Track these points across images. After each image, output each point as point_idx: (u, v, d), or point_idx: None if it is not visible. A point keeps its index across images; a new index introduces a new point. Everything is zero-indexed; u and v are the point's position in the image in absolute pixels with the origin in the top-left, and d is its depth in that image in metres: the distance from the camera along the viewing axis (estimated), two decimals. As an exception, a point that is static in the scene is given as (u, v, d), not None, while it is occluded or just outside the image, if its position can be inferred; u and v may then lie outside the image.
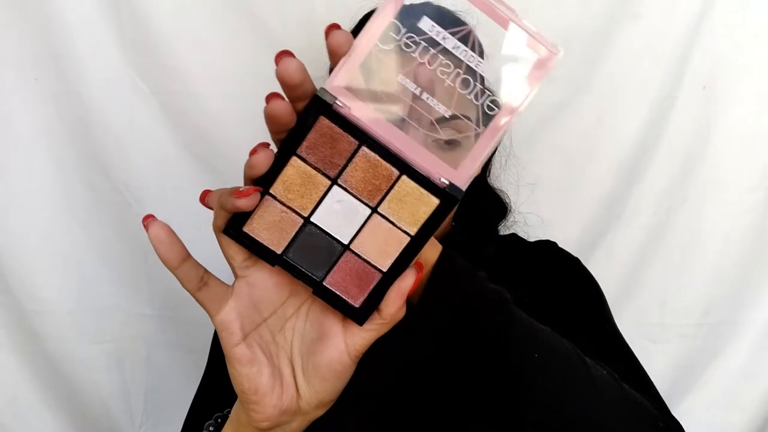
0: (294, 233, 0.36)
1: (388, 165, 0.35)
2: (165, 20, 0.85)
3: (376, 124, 0.35)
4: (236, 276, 0.39)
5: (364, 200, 0.36)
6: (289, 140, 0.35)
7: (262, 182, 0.35)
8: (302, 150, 0.35)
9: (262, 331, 0.39)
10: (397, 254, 0.36)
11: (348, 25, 0.70)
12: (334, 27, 0.34)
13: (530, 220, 0.80)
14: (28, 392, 0.94)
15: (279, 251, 0.36)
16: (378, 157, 0.35)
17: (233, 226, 0.36)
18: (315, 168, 0.35)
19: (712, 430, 1.01)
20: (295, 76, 0.33)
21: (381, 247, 0.36)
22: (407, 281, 0.37)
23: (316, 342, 0.40)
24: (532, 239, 0.75)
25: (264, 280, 0.39)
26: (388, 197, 0.35)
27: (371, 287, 0.37)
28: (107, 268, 0.93)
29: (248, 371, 0.38)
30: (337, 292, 0.37)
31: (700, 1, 0.89)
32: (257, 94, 0.99)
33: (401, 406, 0.58)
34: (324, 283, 0.37)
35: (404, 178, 0.35)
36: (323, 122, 0.34)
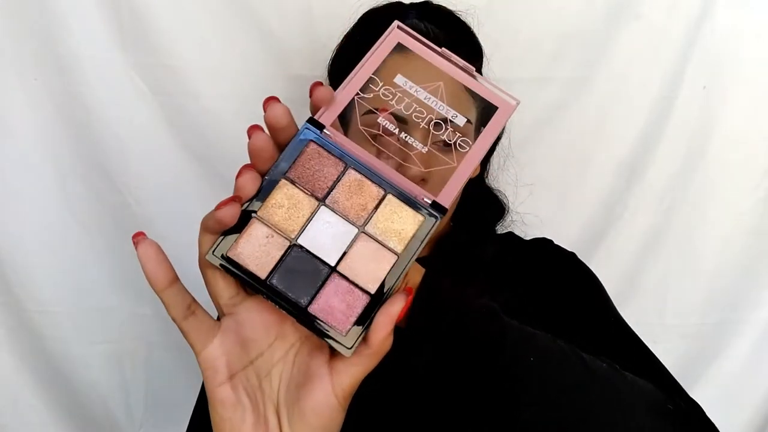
0: (280, 257, 0.35)
1: (373, 185, 0.37)
2: (165, 20, 0.85)
3: (361, 153, 0.37)
4: (222, 314, 0.37)
5: (351, 220, 0.36)
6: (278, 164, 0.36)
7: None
8: (291, 173, 0.36)
9: (249, 374, 0.37)
10: (385, 274, 0.36)
11: (346, 24, 0.70)
12: (317, 85, 0.37)
13: (528, 219, 0.80)
14: (28, 392, 0.94)
15: (263, 276, 0.35)
16: (364, 178, 0.37)
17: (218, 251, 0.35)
18: (303, 190, 0.36)
19: (712, 430, 1.01)
20: (282, 120, 0.35)
21: (368, 268, 0.36)
22: (397, 306, 0.35)
23: (301, 387, 0.37)
24: (529, 238, 0.76)
25: (252, 319, 0.37)
26: (374, 217, 0.36)
27: (359, 312, 0.35)
28: (107, 268, 0.93)
29: (231, 416, 0.35)
30: (323, 319, 0.35)
31: (700, 1, 0.89)
32: (257, 94, 0.99)
33: (397, 425, 0.57)
34: (309, 309, 0.35)
35: (390, 197, 0.37)
36: (312, 146, 0.36)
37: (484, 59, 0.70)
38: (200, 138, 0.90)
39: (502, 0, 0.86)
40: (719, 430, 0.52)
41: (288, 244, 0.36)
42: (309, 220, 0.36)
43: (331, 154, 0.36)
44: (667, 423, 0.47)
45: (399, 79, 0.39)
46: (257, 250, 0.35)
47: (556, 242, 0.73)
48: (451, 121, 0.39)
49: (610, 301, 0.66)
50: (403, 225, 0.36)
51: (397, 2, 0.70)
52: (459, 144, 0.39)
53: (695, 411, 0.52)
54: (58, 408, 0.96)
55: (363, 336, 0.35)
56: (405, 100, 0.39)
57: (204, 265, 0.36)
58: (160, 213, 0.90)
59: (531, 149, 0.90)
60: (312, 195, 0.36)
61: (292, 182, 0.36)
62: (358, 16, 0.69)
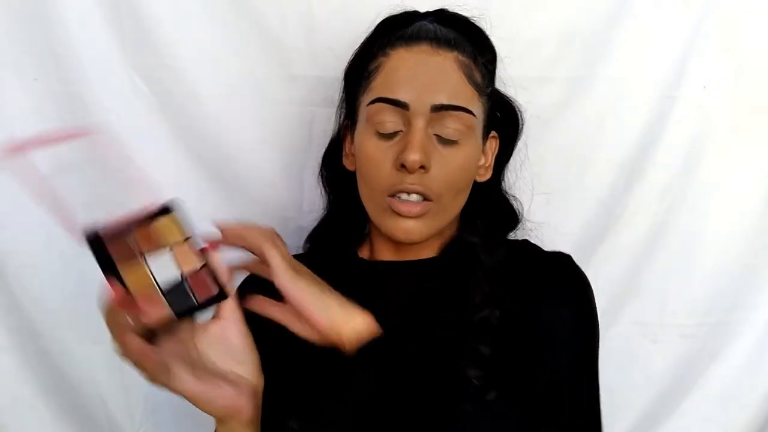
0: (165, 298, 0.57)
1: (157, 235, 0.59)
2: (165, 20, 0.86)
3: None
4: None
5: (163, 251, 0.57)
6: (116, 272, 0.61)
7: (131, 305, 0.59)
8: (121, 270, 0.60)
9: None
10: (198, 251, 0.58)
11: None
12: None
13: (529, 219, 0.80)
14: (28, 392, 0.94)
15: (175, 314, 0.57)
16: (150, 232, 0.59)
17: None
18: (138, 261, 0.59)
19: (712, 430, 1.01)
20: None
21: (191, 258, 0.58)
22: (214, 258, 0.58)
23: (222, 343, 0.59)
24: (533, 239, 0.75)
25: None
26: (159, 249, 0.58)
27: (210, 278, 0.58)
28: (107, 268, 0.93)
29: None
30: (205, 298, 0.58)
31: (700, 0, 0.89)
32: (257, 94, 0.99)
33: None
34: (198, 303, 0.57)
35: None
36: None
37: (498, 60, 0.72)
38: (200, 138, 0.90)
39: (502, 0, 0.87)
40: None
41: (159, 290, 0.57)
42: (151, 272, 0.58)
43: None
44: None
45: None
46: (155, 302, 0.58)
47: (557, 243, 0.71)
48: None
49: (591, 341, 0.65)
50: (180, 232, 0.58)
51: (413, 10, 0.72)
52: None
53: None
54: (58, 408, 0.95)
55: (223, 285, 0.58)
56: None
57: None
58: (160, 213, 0.90)
59: (530, 149, 0.90)
60: (139, 260, 0.58)
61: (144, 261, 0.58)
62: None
